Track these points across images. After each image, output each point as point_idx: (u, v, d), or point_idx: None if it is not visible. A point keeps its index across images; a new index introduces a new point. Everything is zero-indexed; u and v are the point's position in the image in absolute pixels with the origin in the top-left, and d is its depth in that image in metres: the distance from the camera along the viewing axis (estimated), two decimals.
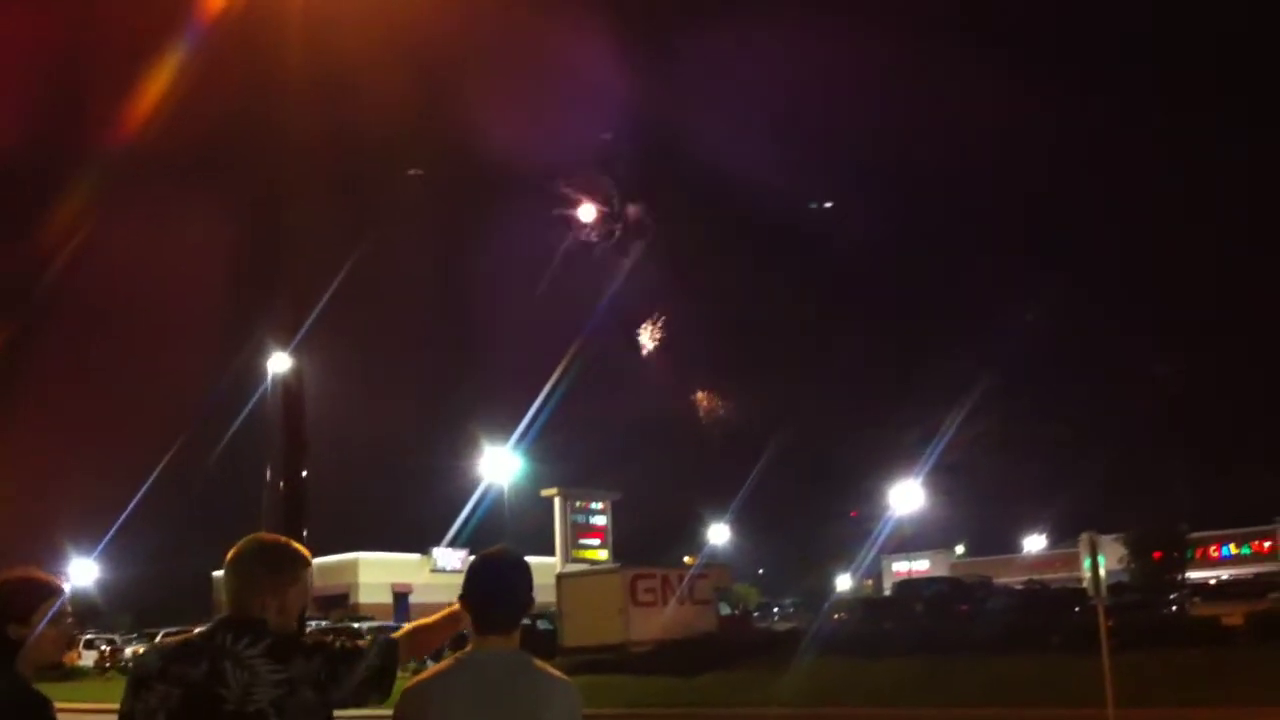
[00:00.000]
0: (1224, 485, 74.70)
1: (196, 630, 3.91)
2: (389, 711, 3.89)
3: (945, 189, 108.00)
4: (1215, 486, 74.42)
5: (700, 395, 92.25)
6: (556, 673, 3.87)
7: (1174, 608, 41.43)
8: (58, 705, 4.06)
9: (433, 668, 3.88)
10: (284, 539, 4.09)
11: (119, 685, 3.93)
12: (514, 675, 3.77)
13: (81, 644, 55.41)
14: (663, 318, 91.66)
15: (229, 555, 3.93)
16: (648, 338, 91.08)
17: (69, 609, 4.19)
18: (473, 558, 4.11)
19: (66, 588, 4.30)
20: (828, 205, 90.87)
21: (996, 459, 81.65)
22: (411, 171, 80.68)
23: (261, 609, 3.80)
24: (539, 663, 3.85)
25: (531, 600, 4.02)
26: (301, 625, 4.21)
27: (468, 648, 3.88)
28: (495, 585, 3.93)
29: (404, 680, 3.97)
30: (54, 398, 75.49)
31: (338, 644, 3.84)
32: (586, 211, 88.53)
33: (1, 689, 3.94)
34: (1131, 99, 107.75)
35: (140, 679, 3.72)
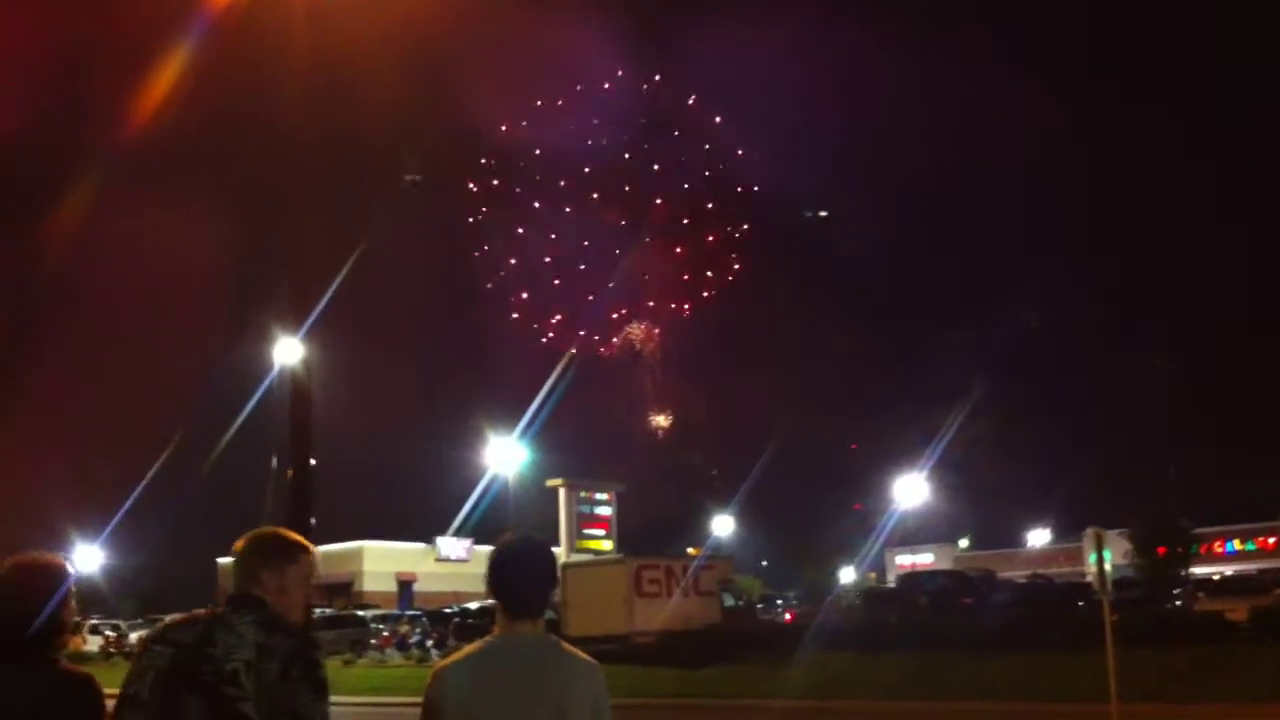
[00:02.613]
0: (1229, 480, 74.66)
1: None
2: (414, 699, 3.95)
3: (946, 188, 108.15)
4: (1220, 481, 74.41)
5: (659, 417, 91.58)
6: (582, 655, 3.94)
7: (1178, 603, 41.41)
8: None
9: (463, 650, 3.97)
10: (282, 530, 4.30)
11: (123, 670, 4.03)
12: (541, 657, 3.87)
13: (87, 629, 55.62)
14: (644, 324, 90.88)
15: (237, 546, 4.14)
16: (637, 338, 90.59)
17: (73, 592, 4.32)
18: (494, 546, 4.14)
19: (71, 570, 4.40)
20: (823, 214, 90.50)
21: (997, 456, 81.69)
22: (408, 178, 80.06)
23: (261, 586, 4.00)
24: (566, 645, 3.93)
25: (556, 584, 4.08)
26: (308, 616, 4.30)
27: (495, 632, 3.93)
28: (523, 571, 3.98)
29: (422, 671, 4.03)
30: (61, 385, 75.78)
31: (322, 673, 3.92)
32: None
33: (43, 671, 4.09)
34: (1129, 96, 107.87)
35: (146, 643, 3.98)
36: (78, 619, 4.50)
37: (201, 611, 4.03)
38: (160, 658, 3.86)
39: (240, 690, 3.76)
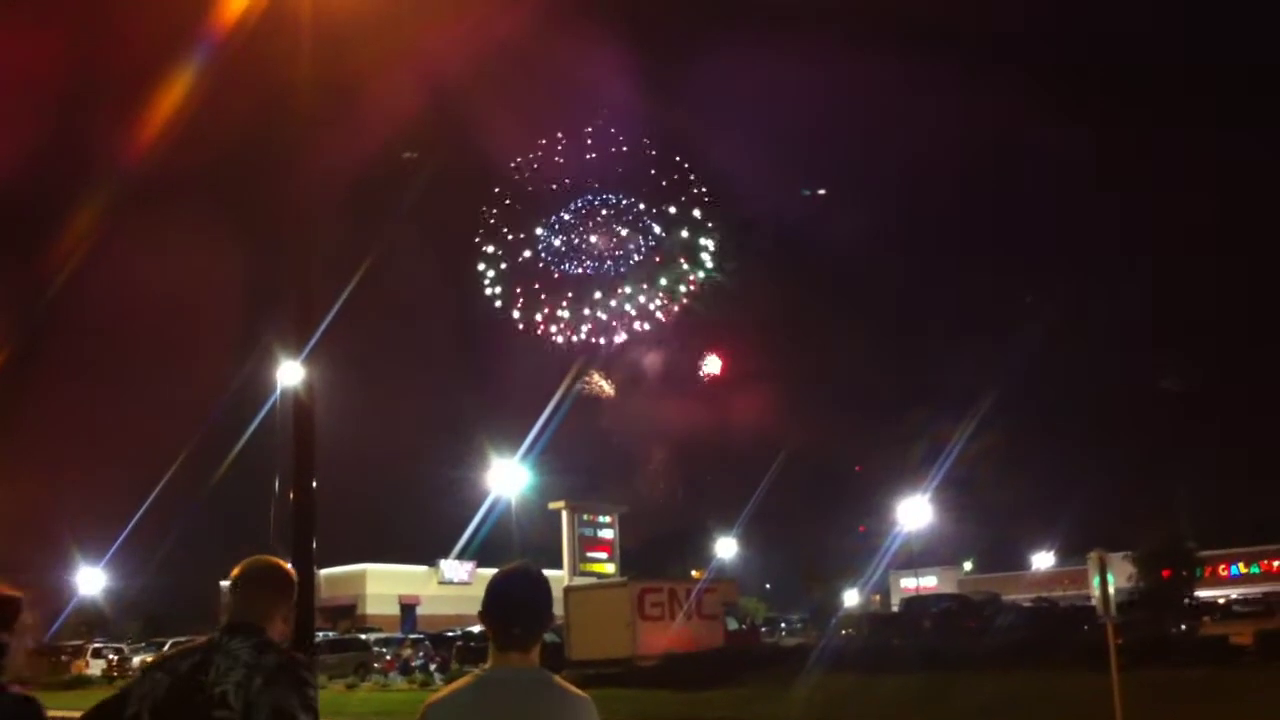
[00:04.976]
0: (1234, 503, 74.48)
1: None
2: None
3: (953, 207, 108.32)
4: (1225, 504, 74.22)
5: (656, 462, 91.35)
6: (576, 690, 3.83)
7: (1183, 626, 41.29)
8: (64, 714, 4.18)
9: (453, 684, 3.87)
10: (280, 561, 4.40)
11: None
12: (535, 694, 3.76)
13: (89, 653, 55.46)
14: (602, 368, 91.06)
15: (237, 574, 4.25)
16: (598, 383, 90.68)
17: (29, 621, 4.40)
18: (493, 573, 4.10)
19: (21, 598, 4.48)
20: (821, 192, 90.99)
21: (1002, 477, 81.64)
22: (406, 155, 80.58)
23: (269, 621, 4.14)
24: (559, 680, 3.83)
25: (551, 616, 4.01)
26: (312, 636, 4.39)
27: (488, 664, 3.86)
28: (515, 602, 3.89)
29: (425, 694, 3.99)
30: (65, 408, 75.84)
31: (312, 692, 4.04)
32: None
33: None
34: (1141, 116, 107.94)
35: (146, 669, 4.12)
36: (32, 645, 4.60)
37: (202, 639, 4.12)
38: (159, 686, 3.96)
39: (229, 711, 3.84)
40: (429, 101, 78.31)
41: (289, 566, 4.35)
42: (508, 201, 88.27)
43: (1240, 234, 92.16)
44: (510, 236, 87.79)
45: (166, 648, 50.04)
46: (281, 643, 4.11)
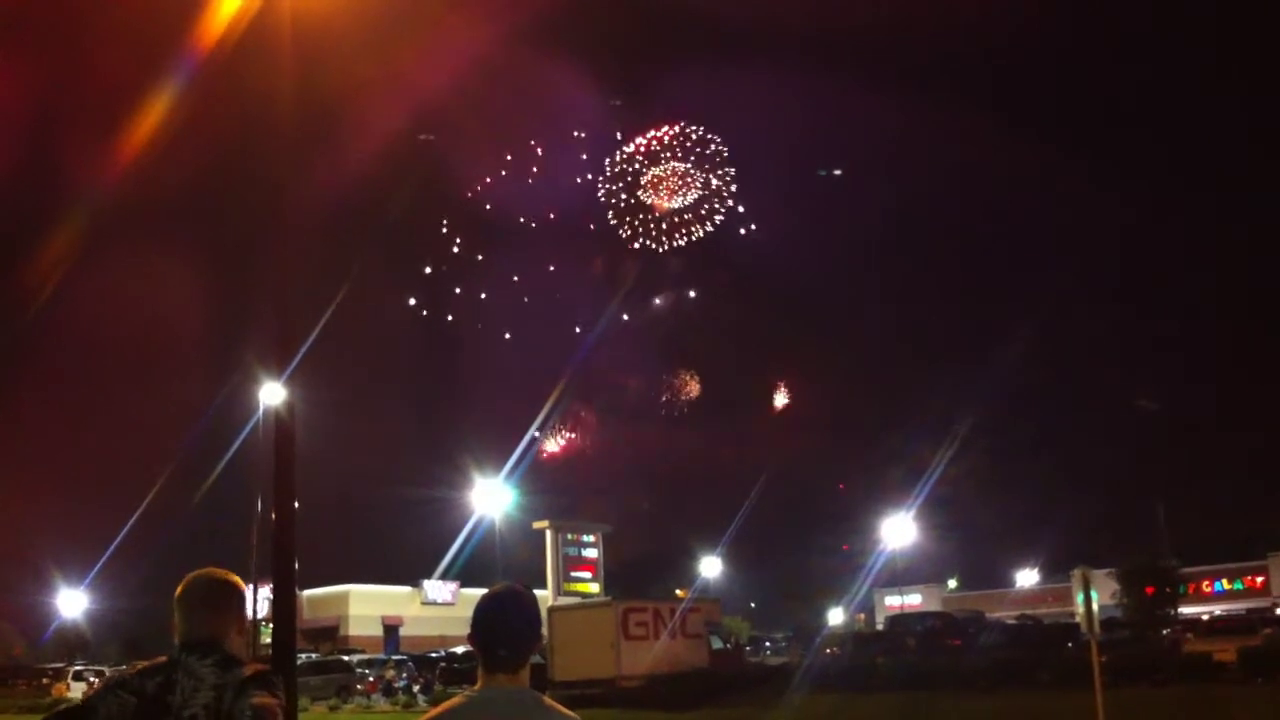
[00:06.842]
0: (1216, 520, 74.66)
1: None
2: None
3: (933, 226, 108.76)
4: (1208, 521, 74.41)
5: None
6: (566, 710, 3.82)
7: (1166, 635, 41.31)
8: None
9: (443, 705, 3.84)
10: (226, 572, 4.31)
11: None
12: (525, 713, 3.74)
13: (70, 675, 55.07)
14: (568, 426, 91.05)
15: (182, 591, 4.17)
16: (556, 437, 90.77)
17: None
18: (477, 593, 4.08)
19: None
20: (836, 172, 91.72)
21: (985, 494, 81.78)
22: (423, 136, 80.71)
23: (224, 634, 4.11)
24: (548, 700, 3.81)
25: (539, 637, 3.99)
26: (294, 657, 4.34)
27: (477, 685, 3.84)
28: (503, 624, 3.87)
29: (408, 716, 3.96)
30: (45, 431, 75.54)
31: (276, 701, 3.99)
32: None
33: None
34: (1118, 143, 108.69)
35: (112, 685, 4.06)
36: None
37: (162, 658, 4.08)
38: (127, 707, 3.94)
39: None
40: (407, 127, 78.55)
41: (235, 577, 4.27)
42: (456, 249, 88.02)
43: (1216, 251, 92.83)
44: (460, 292, 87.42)
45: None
46: (240, 655, 4.08)
